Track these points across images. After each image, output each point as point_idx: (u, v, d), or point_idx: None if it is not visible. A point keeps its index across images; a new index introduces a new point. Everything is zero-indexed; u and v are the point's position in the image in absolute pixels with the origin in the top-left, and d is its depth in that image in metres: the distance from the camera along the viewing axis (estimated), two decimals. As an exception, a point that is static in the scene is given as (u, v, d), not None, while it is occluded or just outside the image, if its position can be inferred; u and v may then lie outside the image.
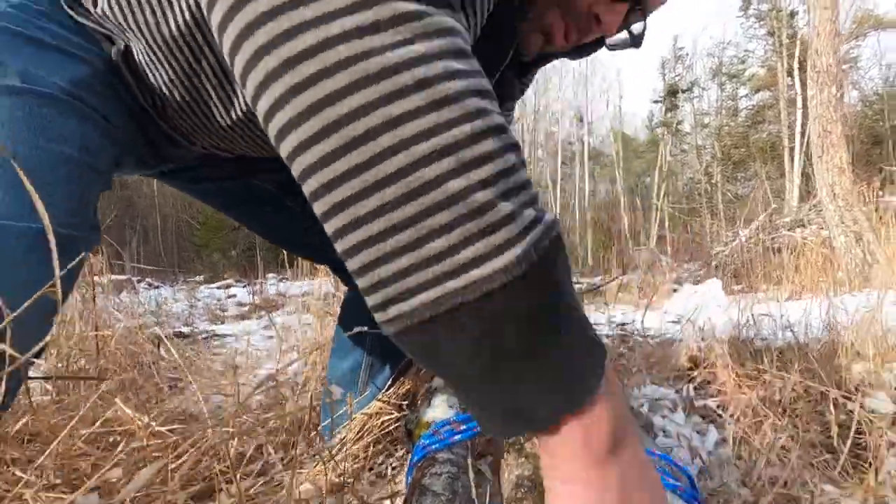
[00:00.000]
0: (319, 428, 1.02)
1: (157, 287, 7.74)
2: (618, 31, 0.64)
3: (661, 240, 15.18)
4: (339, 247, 0.28)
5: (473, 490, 0.48)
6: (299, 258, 4.42)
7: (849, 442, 0.85)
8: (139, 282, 7.86)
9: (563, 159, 19.90)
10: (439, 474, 0.49)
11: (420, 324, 0.27)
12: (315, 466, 0.91)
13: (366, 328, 0.96)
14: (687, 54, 20.75)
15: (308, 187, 0.28)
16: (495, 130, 0.28)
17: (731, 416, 1.14)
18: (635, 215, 18.15)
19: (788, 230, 6.51)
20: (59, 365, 1.15)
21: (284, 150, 0.28)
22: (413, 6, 0.27)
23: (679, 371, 1.48)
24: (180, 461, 0.83)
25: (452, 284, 0.26)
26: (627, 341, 2.41)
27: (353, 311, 0.98)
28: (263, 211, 0.90)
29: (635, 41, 0.66)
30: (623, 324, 3.29)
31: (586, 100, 19.81)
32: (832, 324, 1.56)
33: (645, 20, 0.63)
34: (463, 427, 0.58)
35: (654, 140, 20.68)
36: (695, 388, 1.33)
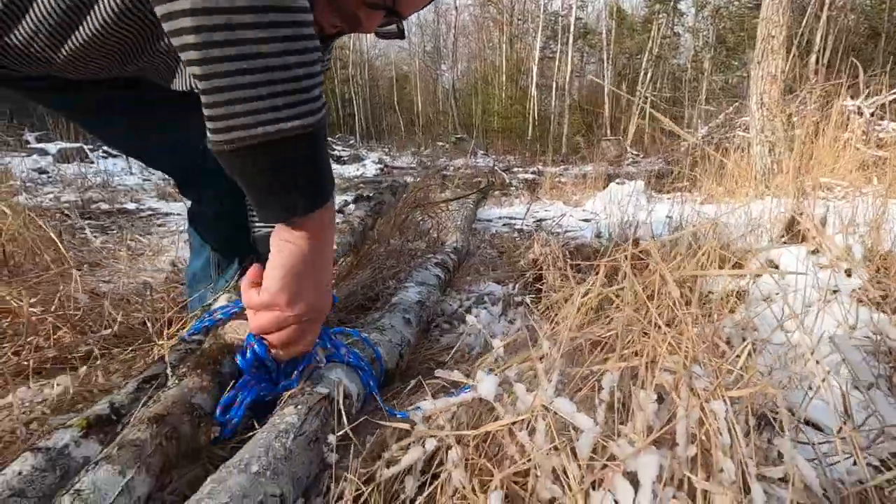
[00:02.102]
0: (189, 310, 1.26)
1: (115, 157, 7.64)
2: (382, 29, 0.79)
3: (640, 129, 15.06)
4: (205, 85, 0.47)
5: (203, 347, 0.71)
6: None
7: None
8: (93, 150, 7.70)
9: (550, 34, 18.56)
10: (178, 349, 0.73)
11: (245, 148, 0.49)
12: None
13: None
14: (702, -86, 18.38)
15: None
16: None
17: (538, 308, 1.43)
18: (618, 101, 17.61)
19: (744, 130, 6.56)
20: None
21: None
22: None
23: (522, 269, 1.74)
24: (57, 335, 1.07)
25: (268, 129, 0.48)
26: (530, 237, 2.68)
27: (197, 221, 1.16)
28: (112, 126, 1.03)
29: (400, 34, 0.81)
30: (541, 220, 3.56)
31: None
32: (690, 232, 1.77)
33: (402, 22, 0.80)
34: (220, 314, 0.81)
35: (651, 19, 19.21)
36: (523, 286, 1.61)
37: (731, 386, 0.49)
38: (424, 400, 0.59)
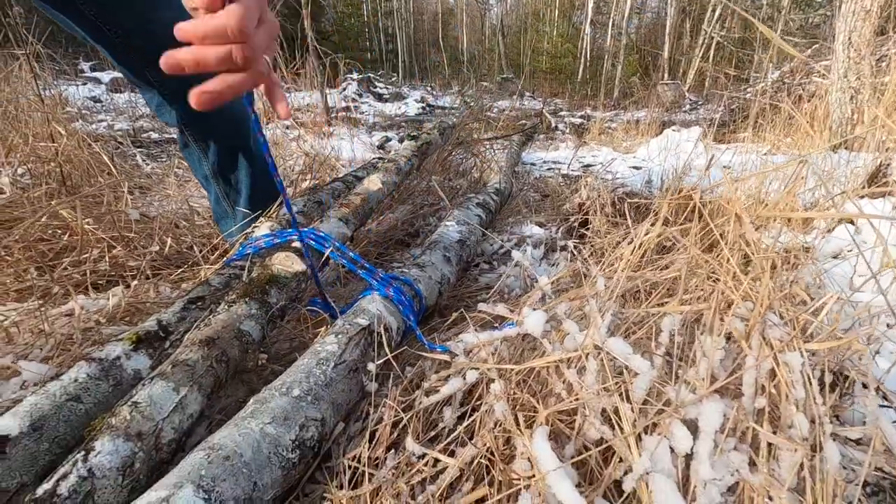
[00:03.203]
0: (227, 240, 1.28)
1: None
2: None
3: (702, 73, 13.89)
4: None
5: (246, 275, 0.72)
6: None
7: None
8: (143, 82, 7.84)
9: (611, -36, 17.01)
10: (222, 274, 0.73)
11: None
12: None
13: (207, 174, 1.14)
14: None
15: None
16: None
17: (582, 254, 1.37)
18: (679, 42, 16.26)
19: (822, 76, 5.97)
20: (23, 167, 1.38)
21: None
22: None
23: (566, 214, 1.67)
24: (112, 252, 1.11)
25: None
26: (575, 182, 2.57)
27: (194, 160, 1.14)
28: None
29: None
30: (588, 165, 3.41)
31: None
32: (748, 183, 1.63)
33: None
34: (263, 242, 0.81)
35: (727, -55, 17.21)
36: (567, 231, 1.55)
37: (809, 339, 0.44)
38: (465, 334, 0.57)
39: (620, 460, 0.40)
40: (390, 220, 1.39)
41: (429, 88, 12.04)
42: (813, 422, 0.40)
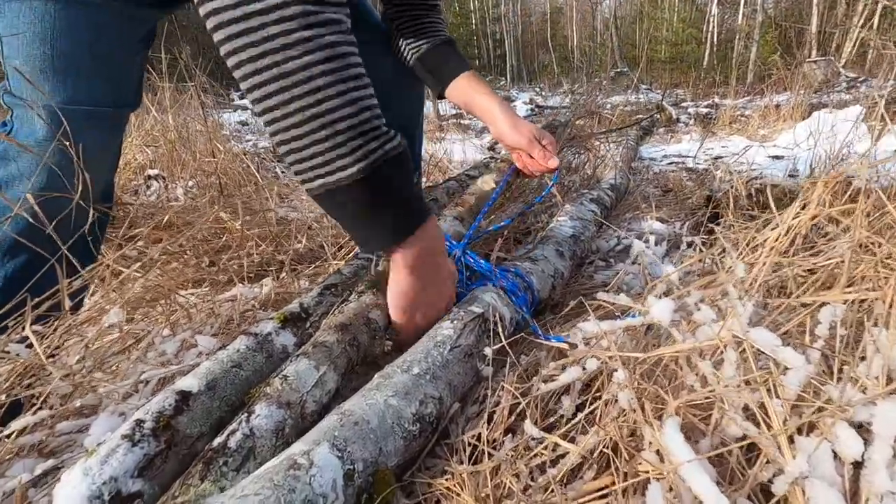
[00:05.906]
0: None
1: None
2: None
3: (862, 44, 11.82)
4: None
5: (372, 268, 0.78)
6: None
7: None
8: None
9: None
10: (351, 264, 0.80)
11: (316, 196, 0.56)
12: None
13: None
14: None
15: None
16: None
17: (710, 251, 1.24)
18: (831, 12, 14.08)
19: None
20: (192, 180, 1.64)
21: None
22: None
23: (692, 208, 1.53)
24: (260, 248, 1.27)
25: (323, 181, 0.54)
26: (701, 175, 2.35)
27: None
28: None
29: None
30: (718, 157, 3.10)
31: None
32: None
33: None
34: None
35: None
36: (693, 226, 1.42)
37: None
38: (584, 323, 0.55)
39: (768, 461, 0.36)
40: (502, 220, 1.40)
41: (537, 89, 11.87)
42: None
